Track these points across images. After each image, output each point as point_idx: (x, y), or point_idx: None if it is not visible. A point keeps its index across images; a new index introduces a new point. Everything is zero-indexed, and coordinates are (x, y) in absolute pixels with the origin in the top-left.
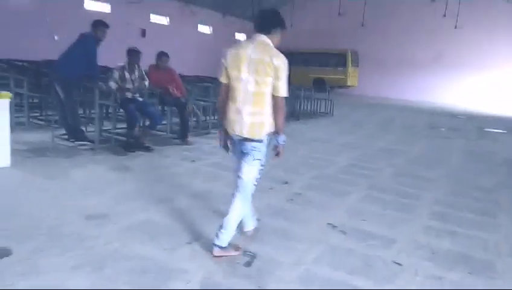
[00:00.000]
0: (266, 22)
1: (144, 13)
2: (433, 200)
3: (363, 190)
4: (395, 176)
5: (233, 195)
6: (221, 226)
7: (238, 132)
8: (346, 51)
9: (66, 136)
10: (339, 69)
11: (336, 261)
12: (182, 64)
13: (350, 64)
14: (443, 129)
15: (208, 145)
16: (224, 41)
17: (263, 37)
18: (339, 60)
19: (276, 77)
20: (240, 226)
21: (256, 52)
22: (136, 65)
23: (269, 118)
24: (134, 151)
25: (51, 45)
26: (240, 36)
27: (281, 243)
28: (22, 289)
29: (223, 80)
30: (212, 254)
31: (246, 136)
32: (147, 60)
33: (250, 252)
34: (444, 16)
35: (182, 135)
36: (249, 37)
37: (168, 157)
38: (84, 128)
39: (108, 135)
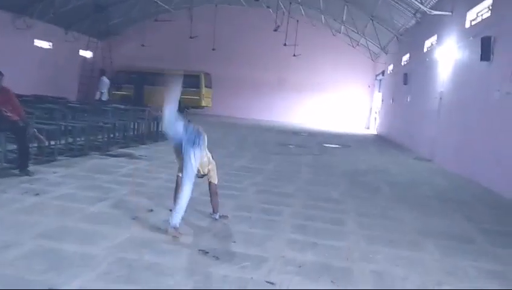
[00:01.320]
0: None
1: None
2: (292, 214)
3: (230, 211)
4: (257, 194)
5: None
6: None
7: None
8: (199, 73)
9: None
10: (193, 90)
11: None
12: (17, 82)
13: (203, 86)
14: (291, 146)
15: (54, 174)
16: (67, 58)
17: None
18: (192, 81)
19: None
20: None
21: None
22: None
23: None
24: None
25: None
26: (85, 53)
27: (153, 280)
28: None
29: None
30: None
31: None
32: None
33: None
34: (285, 45)
35: (21, 165)
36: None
37: (5, 192)
38: None
39: None
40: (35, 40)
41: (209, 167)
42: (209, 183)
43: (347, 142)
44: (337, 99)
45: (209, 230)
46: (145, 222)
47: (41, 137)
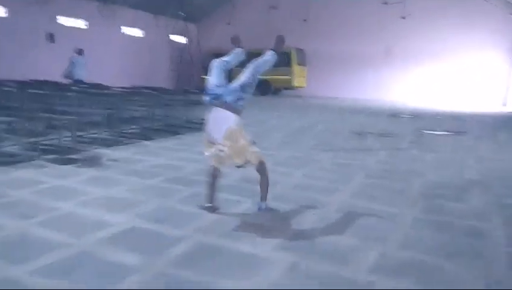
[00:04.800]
0: None
1: (51, 15)
2: None
3: None
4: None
5: None
6: None
7: None
8: (289, 49)
9: None
10: (283, 69)
11: None
12: (107, 71)
13: (295, 64)
14: (371, 134)
15: None
16: (158, 44)
17: None
18: (282, 59)
19: None
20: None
21: None
22: None
23: None
24: None
25: None
26: (176, 38)
27: None
28: None
29: None
30: None
31: None
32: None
33: None
34: (385, 3)
35: None
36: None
37: None
38: None
39: None
40: (123, 27)
41: (251, 149)
42: (256, 165)
43: (464, 126)
44: (463, 71)
45: None
46: None
47: None
